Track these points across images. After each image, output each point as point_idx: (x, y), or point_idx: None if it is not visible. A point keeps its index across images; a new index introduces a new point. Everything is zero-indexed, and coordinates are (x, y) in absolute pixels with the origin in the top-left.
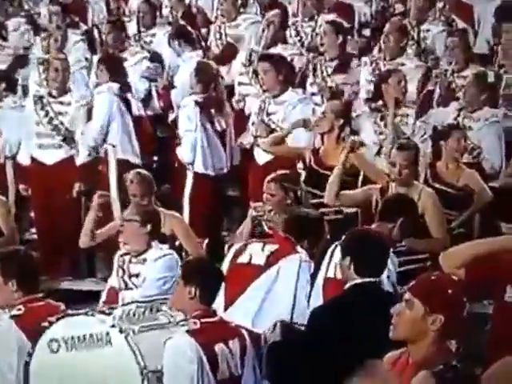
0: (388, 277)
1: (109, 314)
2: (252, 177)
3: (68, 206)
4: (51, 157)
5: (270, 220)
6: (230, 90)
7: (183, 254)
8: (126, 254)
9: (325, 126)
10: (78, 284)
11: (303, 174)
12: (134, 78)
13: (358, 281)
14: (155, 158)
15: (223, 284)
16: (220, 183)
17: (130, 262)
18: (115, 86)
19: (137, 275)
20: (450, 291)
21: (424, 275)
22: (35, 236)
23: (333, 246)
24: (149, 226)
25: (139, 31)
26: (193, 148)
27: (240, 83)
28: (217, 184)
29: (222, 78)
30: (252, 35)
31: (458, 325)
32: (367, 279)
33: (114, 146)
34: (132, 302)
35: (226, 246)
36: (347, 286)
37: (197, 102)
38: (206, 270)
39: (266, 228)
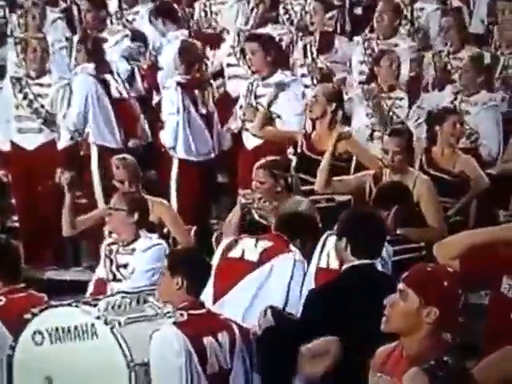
0: (383, 266)
1: (94, 306)
2: (241, 162)
3: (50, 192)
4: (32, 141)
5: (261, 208)
6: (219, 72)
7: (170, 241)
8: (113, 243)
9: (317, 110)
10: (62, 274)
11: (294, 159)
12: (114, 58)
13: (356, 263)
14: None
15: (213, 277)
16: (207, 169)
17: (117, 252)
18: (90, 66)
19: (125, 266)
20: (445, 283)
21: (419, 266)
22: (17, 224)
23: (325, 235)
24: (136, 215)
25: (121, 9)
26: (174, 132)
27: (228, 64)
28: (203, 170)
29: (208, 58)
30: (239, 13)
31: (453, 318)
32: (364, 261)
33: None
34: (118, 293)
35: (214, 237)
36: (343, 268)
37: (179, 84)
38: (192, 259)
39: (256, 216)
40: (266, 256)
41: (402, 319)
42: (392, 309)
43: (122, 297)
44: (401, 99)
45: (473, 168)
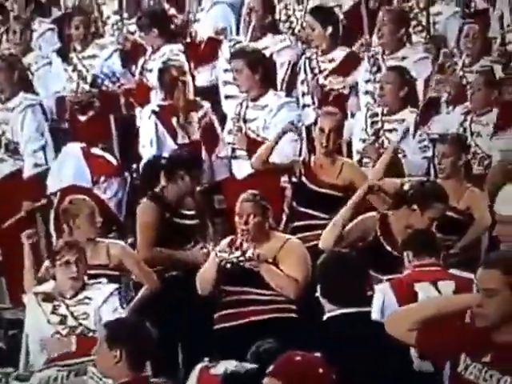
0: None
1: (25, 380)
2: (230, 194)
3: (19, 229)
4: None
5: (248, 259)
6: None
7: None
8: (50, 298)
9: (332, 145)
10: None
11: (289, 189)
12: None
13: (334, 313)
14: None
15: None
16: None
17: (67, 306)
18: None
19: (85, 317)
20: (320, 370)
21: (286, 355)
22: None
23: None
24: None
25: (122, 18)
26: None
27: (225, 82)
28: None
29: (191, 79)
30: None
31: None
32: (344, 310)
33: None
34: (52, 366)
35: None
36: (323, 319)
37: (153, 112)
38: (133, 330)
39: (247, 265)
40: None
41: None
42: None
43: (58, 370)
44: (402, 121)
45: (478, 205)
